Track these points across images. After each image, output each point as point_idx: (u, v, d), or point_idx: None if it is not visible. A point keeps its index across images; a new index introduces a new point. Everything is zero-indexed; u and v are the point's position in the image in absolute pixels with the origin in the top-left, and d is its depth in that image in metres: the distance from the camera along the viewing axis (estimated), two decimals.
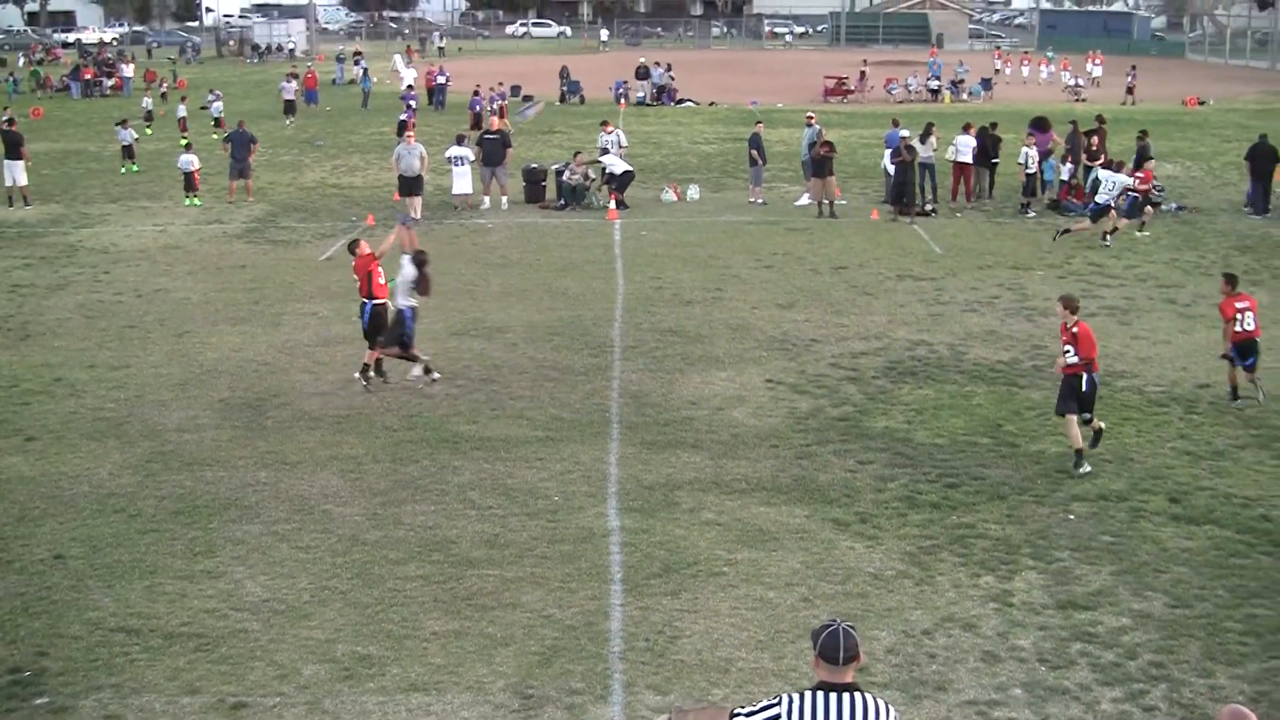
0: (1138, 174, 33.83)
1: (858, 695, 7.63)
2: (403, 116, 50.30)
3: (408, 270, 21.00)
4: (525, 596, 14.17)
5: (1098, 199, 32.74)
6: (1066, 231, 32.26)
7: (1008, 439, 19.00)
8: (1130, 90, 69.71)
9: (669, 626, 13.56)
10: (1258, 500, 16.97)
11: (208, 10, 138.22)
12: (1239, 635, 13.53)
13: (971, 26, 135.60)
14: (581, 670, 12.70)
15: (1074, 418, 17.62)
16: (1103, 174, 33.10)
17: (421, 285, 21.08)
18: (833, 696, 7.61)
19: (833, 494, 16.94)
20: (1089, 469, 17.43)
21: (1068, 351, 17.59)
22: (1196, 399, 20.92)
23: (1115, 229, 32.51)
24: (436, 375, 21.37)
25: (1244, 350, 20.53)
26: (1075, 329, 17.52)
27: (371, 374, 21.23)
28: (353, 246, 21.93)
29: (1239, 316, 20.43)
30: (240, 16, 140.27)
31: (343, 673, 12.63)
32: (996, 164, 37.82)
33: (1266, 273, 29.63)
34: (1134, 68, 73.23)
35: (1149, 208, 33.84)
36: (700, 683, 12.49)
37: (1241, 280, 26.85)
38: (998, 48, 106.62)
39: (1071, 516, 16.34)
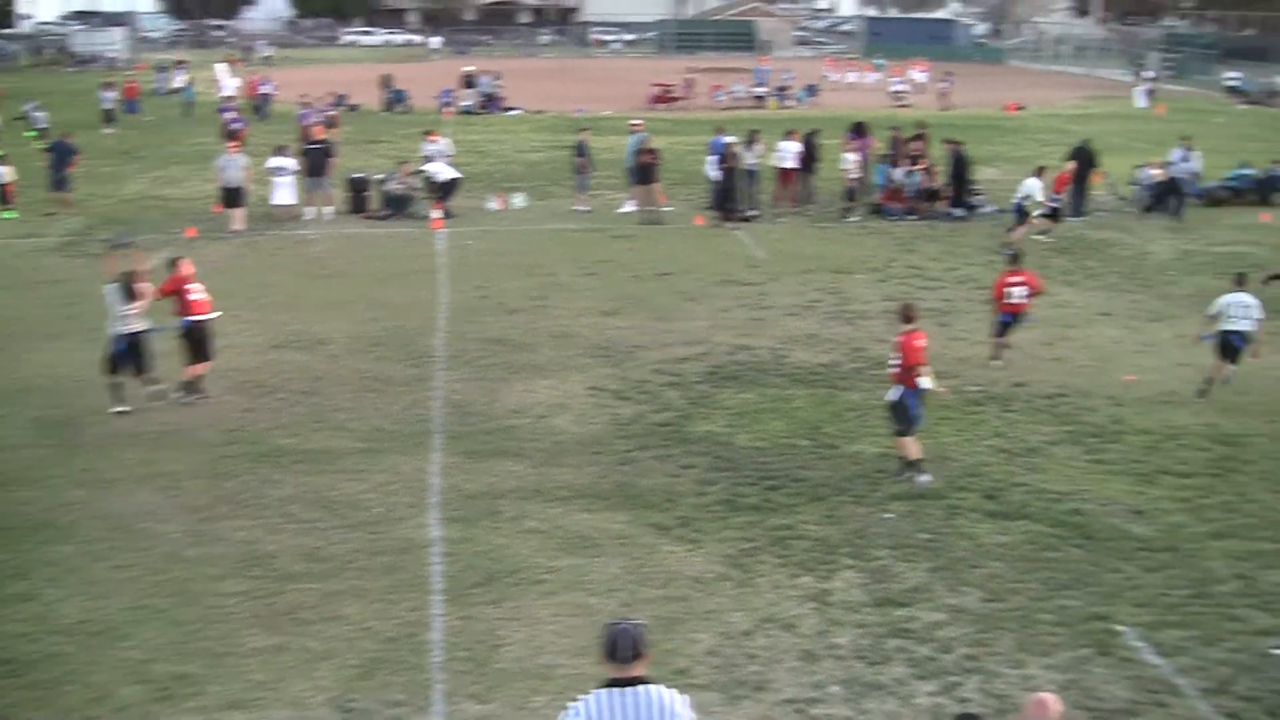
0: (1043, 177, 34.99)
1: (645, 688, 7.96)
2: (235, 126, 49.36)
3: (111, 294, 20.61)
4: (346, 609, 14.11)
5: (1013, 201, 34.03)
6: (1013, 236, 33.06)
7: (827, 441, 19.28)
8: (943, 96, 70.97)
9: (490, 635, 13.61)
10: (1070, 495, 17.46)
11: (24, 17, 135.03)
12: (1050, 626, 13.94)
13: (798, 33, 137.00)
14: (403, 682, 12.70)
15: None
16: (1028, 183, 33.97)
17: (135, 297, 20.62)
18: (620, 692, 8.03)
19: (654, 499, 17.07)
20: (929, 478, 17.53)
21: (896, 360, 17.75)
22: (1012, 397, 21.41)
23: (1045, 231, 33.97)
24: (124, 409, 20.63)
25: (1011, 318, 22.77)
26: (900, 338, 17.69)
27: (192, 390, 20.94)
28: (170, 265, 21.46)
29: (1009, 291, 22.53)
30: (59, 23, 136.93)
31: (160, 693, 12.48)
32: (817, 169, 38.27)
33: (1081, 273, 30.41)
34: (949, 74, 74.52)
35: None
36: (522, 690, 12.56)
37: (1057, 280, 27.88)
38: (830, 55, 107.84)
39: (889, 516, 16.64)
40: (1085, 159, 38.00)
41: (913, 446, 17.60)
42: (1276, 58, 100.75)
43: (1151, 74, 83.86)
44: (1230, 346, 21.42)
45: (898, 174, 37.48)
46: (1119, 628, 13.95)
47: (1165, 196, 38.00)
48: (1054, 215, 34.79)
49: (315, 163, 36.59)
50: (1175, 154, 38.93)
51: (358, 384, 21.84)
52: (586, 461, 18.42)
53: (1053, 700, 8.77)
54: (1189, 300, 27.93)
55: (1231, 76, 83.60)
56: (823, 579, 14.93)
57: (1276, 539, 16.28)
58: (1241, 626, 14.09)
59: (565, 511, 16.69)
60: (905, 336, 17.53)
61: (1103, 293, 28.69)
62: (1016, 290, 22.87)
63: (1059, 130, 56.23)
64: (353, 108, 64.69)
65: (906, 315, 17.79)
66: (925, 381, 17.52)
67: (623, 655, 8.09)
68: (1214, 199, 39.09)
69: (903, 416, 17.53)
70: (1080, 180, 37.79)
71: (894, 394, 17.62)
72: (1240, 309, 21.42)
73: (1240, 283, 21.88)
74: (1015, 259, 23.75)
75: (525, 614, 14.05)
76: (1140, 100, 73.27)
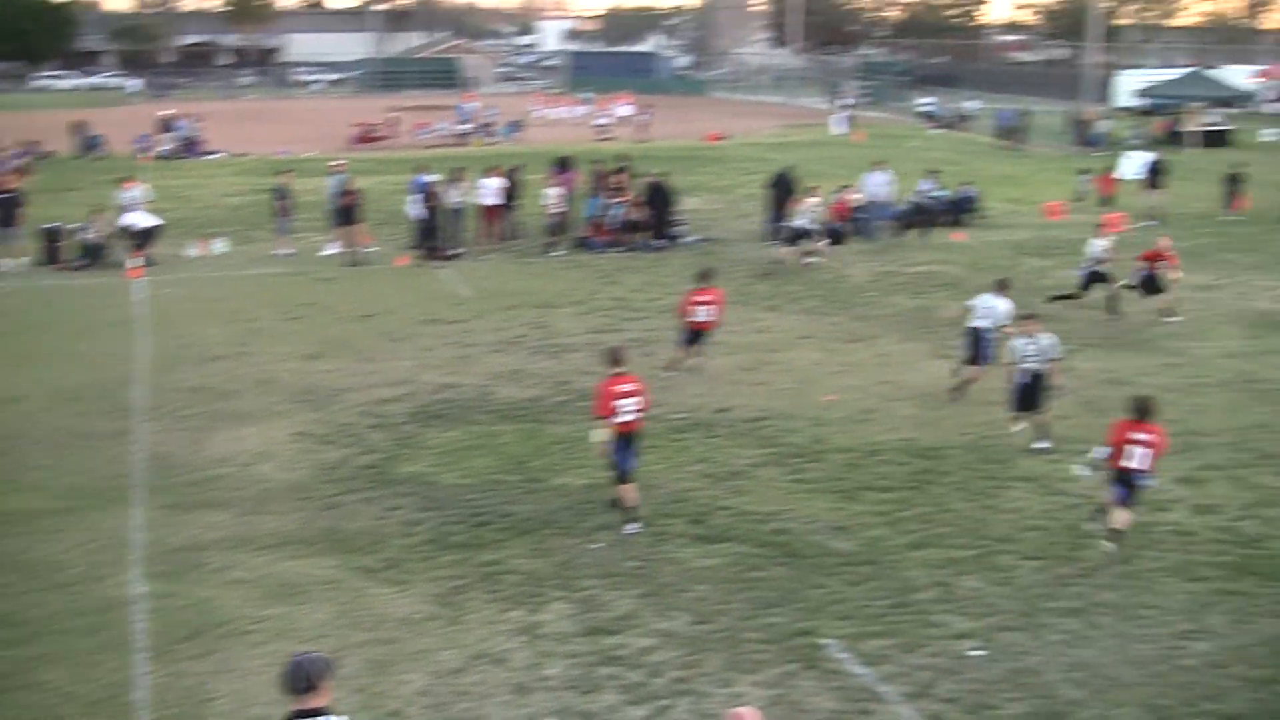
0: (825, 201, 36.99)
1: (328, 718, 8.31)
2: None
3: None
4: (45, 675, 13.66)
5: (794, 224, 35.25)
6: (779, 261, 34.93)
7: (534, 475, 19.37)
8: (641, 128, 71.97)
9: (199, 690, 13.36)
10: (773, 515, 17.84)
11: None
12: (757, 644, 14.26)
13: (502, 69, 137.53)
14: None
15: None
16: (806, 203, 35.50)
17: None
18: None
19: (361, 542, 16.92)
20: (636, 528, 17.31)
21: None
22: (716, 423, 21.78)
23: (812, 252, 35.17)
24: None
25: (697, 335, 24.15)
26: (601, 382, 17.56)
27: None
28: None
29: (696, 309, 23.70)
30: None
31: None
32: (519, 205, 38.48)
33: (782, 298, 31.11)
34: (648, 107, 75.62)
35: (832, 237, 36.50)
36: None
37: (759, 305, 28.49)
38: (536, 91, 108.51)
39: (597, 545, 16.78)
40: (785, 186, 38.95)
41: (627, 493, 17.39)
42: (966, 84, 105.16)
43: (849, 101, 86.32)
44: (971, 343, 22.65)
45: (609, 207, 37.81)
46: (823, 641, 14.35)
47: (913, 219, 39.73)
48: (836, 238, 36.41)
49: (4, 213, 35.44)
50: (922, 183, 40.67)
51: (54, 441, 21.13)
52: (292, 508, 18.17)
53: (749, 714, 8.98)
54: (886, 320, 28.89)
55: (925, 102, 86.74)
56: (532, 612, 15.00)
57: (971, 546, 16.94)
58: (940, 631, 14.64)
59: (272, 559, 16.44)
60: (606, 381, 17.38)
61: (803, 316, 29.42)
62: (703, 308, 23.86)
63: (760, 159, 57.39)
64: (44, 155, 62.70)
65: (613, 358, 17.60)
66: (596, 433, 17.45)
67: (297, 687, 8.37)
68: (909, 221, 40.37)
69: (613, 463, 17.47)
70: (780, 207, 38.73)
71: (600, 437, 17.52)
72: (984, 309, 22.81)
73: (1001, 287, 23.13)
74: (706, 275, 24.56)
75: (234, 666, 13.82)
76: (838, 127, 75.38)
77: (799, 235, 35.04)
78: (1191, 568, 16.37)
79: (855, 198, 39.77)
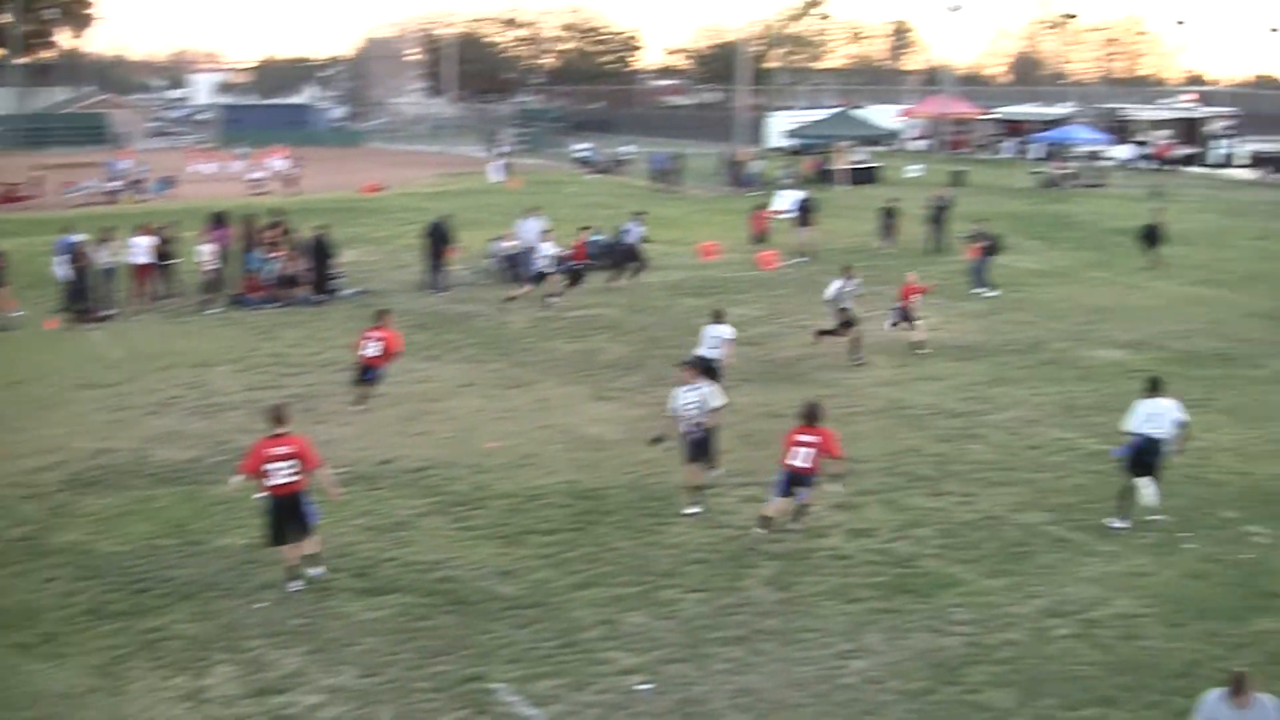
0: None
1: None
2: None
3: None
4: None
5: (534, 266, 36.64)
6: (511, 299, 35.99)
7: (194, 537, 19.03)
8: (290, 181, 71.22)
9: None
10: (439, 564, 17.99)
11: None
12: (427, 693, 14.43)
13: (154, 124, 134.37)
14: None
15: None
16: (543, 247, 36.76)
17: None
18: None
19: (14, 617, 16.37)
20: (297, 586, 17.09)
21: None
22: (378, 475, 21.79)
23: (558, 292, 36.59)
24: None
25: (366, 370, 25.43)
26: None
27: None
28: None
29: (365, 344, 25.35)
30: None
31: None
32: (175, 263, 37.76)
33: (442, 347, 31.24)
34: (298, 159, 74.96)
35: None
36: None
37: (419, 356, 28.54)
38: (190, 146, 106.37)
39: (261, 605, 16.63)
40: (440, 235, 39.16)
41: (288, 553, 17.15)
42: (622, 129, 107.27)
43: (506, 149, 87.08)
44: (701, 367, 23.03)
45: (265, 262, 37.35)
46: (493, 685, 14.56)
47: (621, 260, 40.49)
48: (575, 278, 37.59)
49: None
50: (628, 225, 41.68)
51: None
52: None
53: None
54: (546, 365, 29.30)
55: (581, 148, 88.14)
56: (197, 676, 14.81)
57: (635, 582, 17.39)
58: (607, 668, 15.02)
59: None
60: (261, 441, 17.13)
61: (464, 364, 29.59)
62: (372, 344, 25.00)
63: (418, 209, 57.21)
64: None
65: (275, 417, 17.33)
66: (234, 479, 17.53)
67: None
68: (618, 264, 40.80)
69: (265, 523, 17.18)
70: (437, 256, 38.94)
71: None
72: (711, 338, 24.91)
73: (718, 316, 25.36)
74: (381, 315, 25.81)
75: None
76: (495, 175, 75.85)
77: (541, 276, 36.24)
78: (849, 589, 17.14)
79: (510, 245, 40.21)
